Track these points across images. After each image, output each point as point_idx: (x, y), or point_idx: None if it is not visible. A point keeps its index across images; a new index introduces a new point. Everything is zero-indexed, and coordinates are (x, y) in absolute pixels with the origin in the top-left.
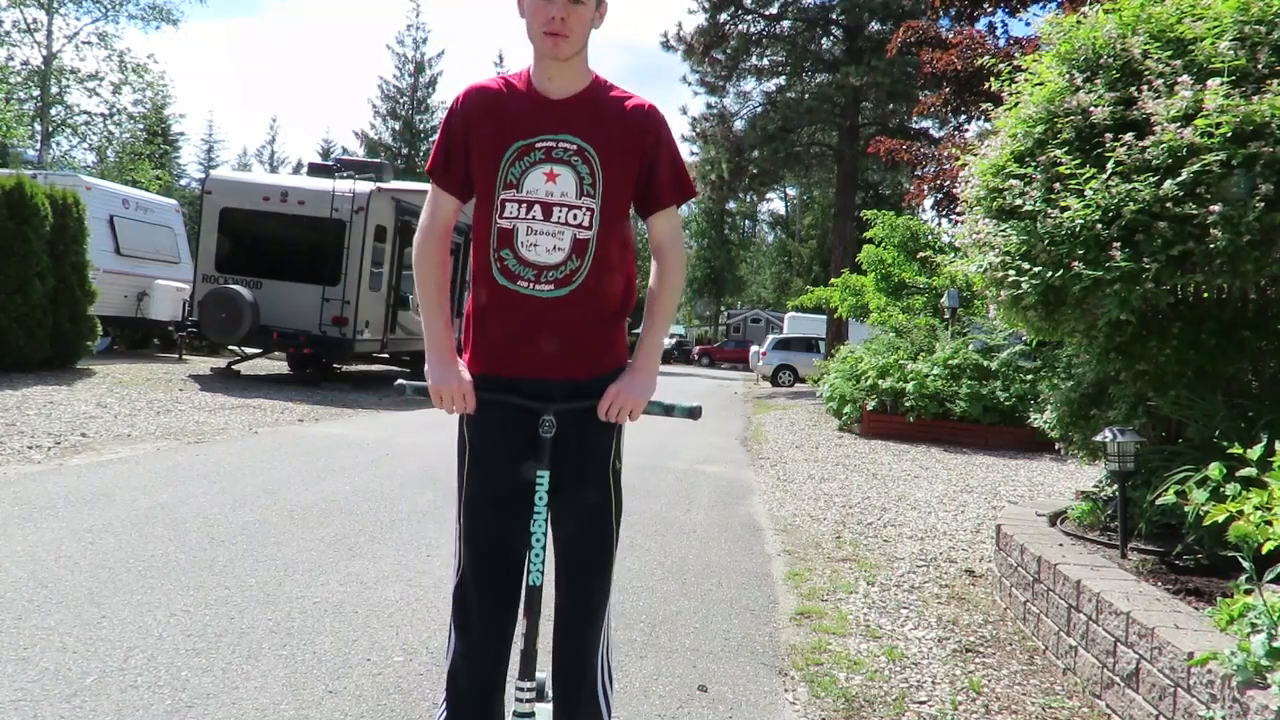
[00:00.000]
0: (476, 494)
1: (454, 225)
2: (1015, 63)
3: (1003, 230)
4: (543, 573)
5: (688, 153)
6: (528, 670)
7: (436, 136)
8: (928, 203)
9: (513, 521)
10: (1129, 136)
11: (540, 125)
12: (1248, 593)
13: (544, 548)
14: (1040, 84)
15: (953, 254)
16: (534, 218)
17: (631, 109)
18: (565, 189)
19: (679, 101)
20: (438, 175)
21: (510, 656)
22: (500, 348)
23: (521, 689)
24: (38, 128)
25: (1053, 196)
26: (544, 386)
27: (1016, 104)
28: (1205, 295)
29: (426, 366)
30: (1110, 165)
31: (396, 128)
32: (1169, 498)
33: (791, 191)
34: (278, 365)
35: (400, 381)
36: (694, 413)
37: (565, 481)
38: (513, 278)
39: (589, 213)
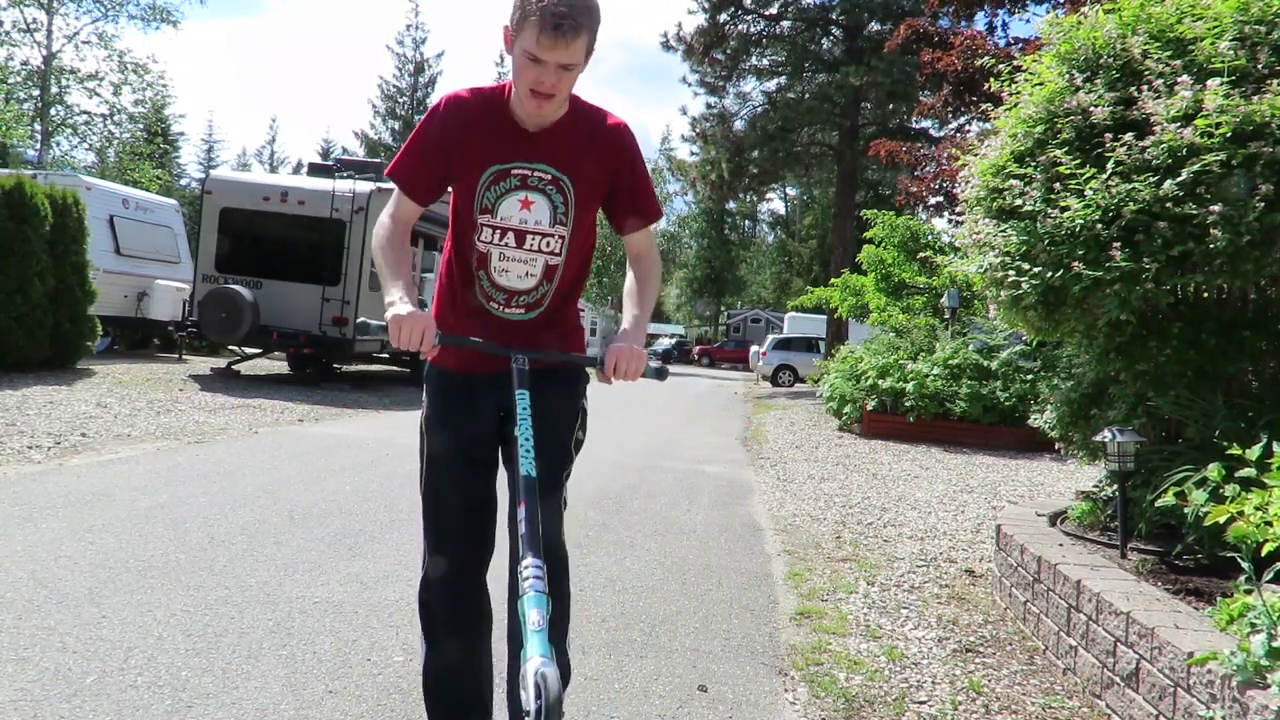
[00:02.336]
0: (437, 482)
1: (414, 224)
2: (1015, 63)
3: (1003, 230)
4: (534, 467)
5: (687, 152)
6: (534, 547)
7: (408, 140)
8: (929, 201)
9: (476, 514)
10: (1129, 136)
11: (517, 152)
12: (1247, 593)
13: (532, 447)
14: (1040, 84)
15: (953, 254)
16: (507, 244)
17: (607, 131)
18: (540, 217)
19: (679, 101)
20: (402, 180)
21: (492, 669)
22: (468, 357)
23: (527, 565)
24: (38, 128)
25: (1053, 196)
26: (503, 377)
27: (1016, 104)
28: (1205, 295)
29: (386, 306)
30: (1110, 165)
31: (396, 128)
32: (1168, 499)
33: (791, 191)
34: (278, 365)
35: (363, 319)
36: (661, 373)
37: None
38: (486, 298)
39: (560, 240)
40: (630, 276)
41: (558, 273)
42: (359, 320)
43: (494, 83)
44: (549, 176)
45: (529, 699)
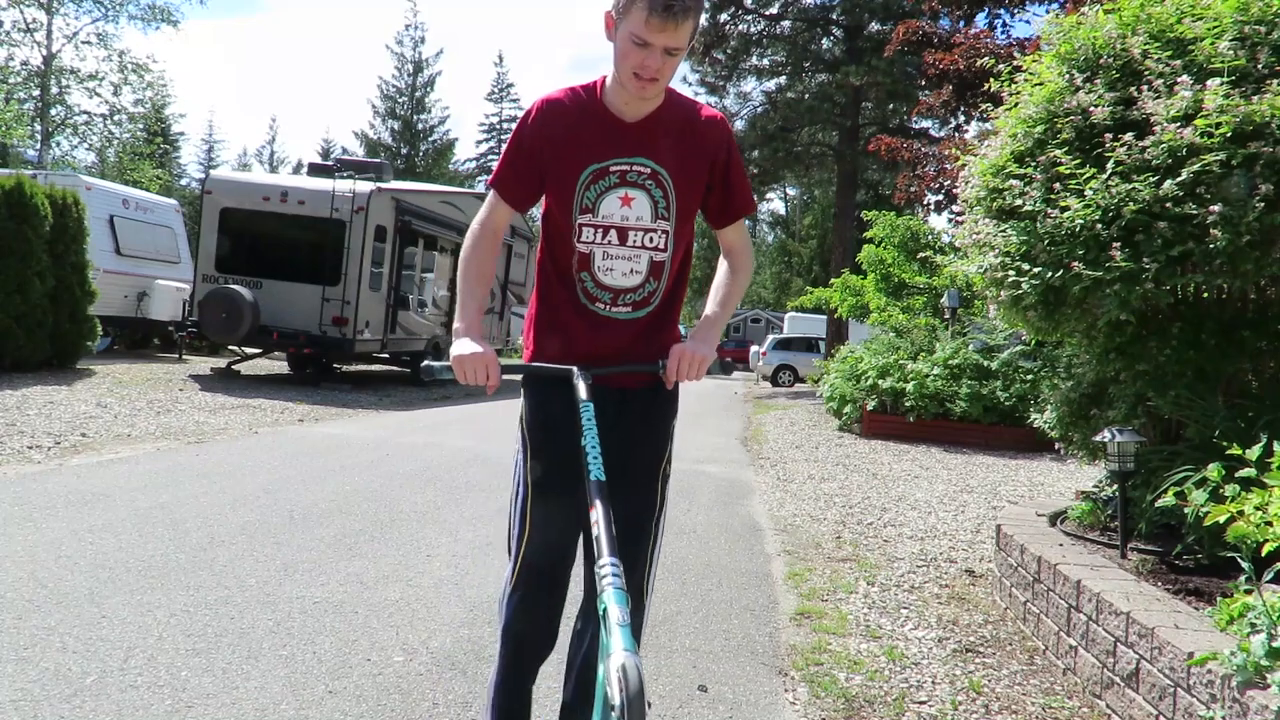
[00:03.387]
0: (537, 485)
1: (505, 229)
2: (1015, 63)
3: (1003, 230)
4: (603, 472)
5: None
6: (610, 548)
7: (505, 146)
8: (926, 199)
9: (571, 519)
10: (1129, 136)
11: (614, 149)
12: (1247, 593)
13: (599, 454)
14: (1040, 84)
15: (953, 254)
16: (610, 242)
17: (703, 123)
18: (640, 213)
19: None
20: (503, 189)
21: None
22: (573, 358)
23: (604, 564)
24: (38, 128)
25: (1053, 196)
26: (602, 390)
27: (1016, 104)
28: (1205, 295)
29: (453, 344)
30: (1110, 165)
31: (396, 128)
32: (1168, 499)
33: (791, 191)
34: (278, 365)
35: (427, 363)
36: (727, 368)
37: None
38: (591, 299)
39: (664, 235)
40: (722, 269)
41: (664, 269)
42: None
43: (588, 80)
44: (647, 170)
45: (614, 694)
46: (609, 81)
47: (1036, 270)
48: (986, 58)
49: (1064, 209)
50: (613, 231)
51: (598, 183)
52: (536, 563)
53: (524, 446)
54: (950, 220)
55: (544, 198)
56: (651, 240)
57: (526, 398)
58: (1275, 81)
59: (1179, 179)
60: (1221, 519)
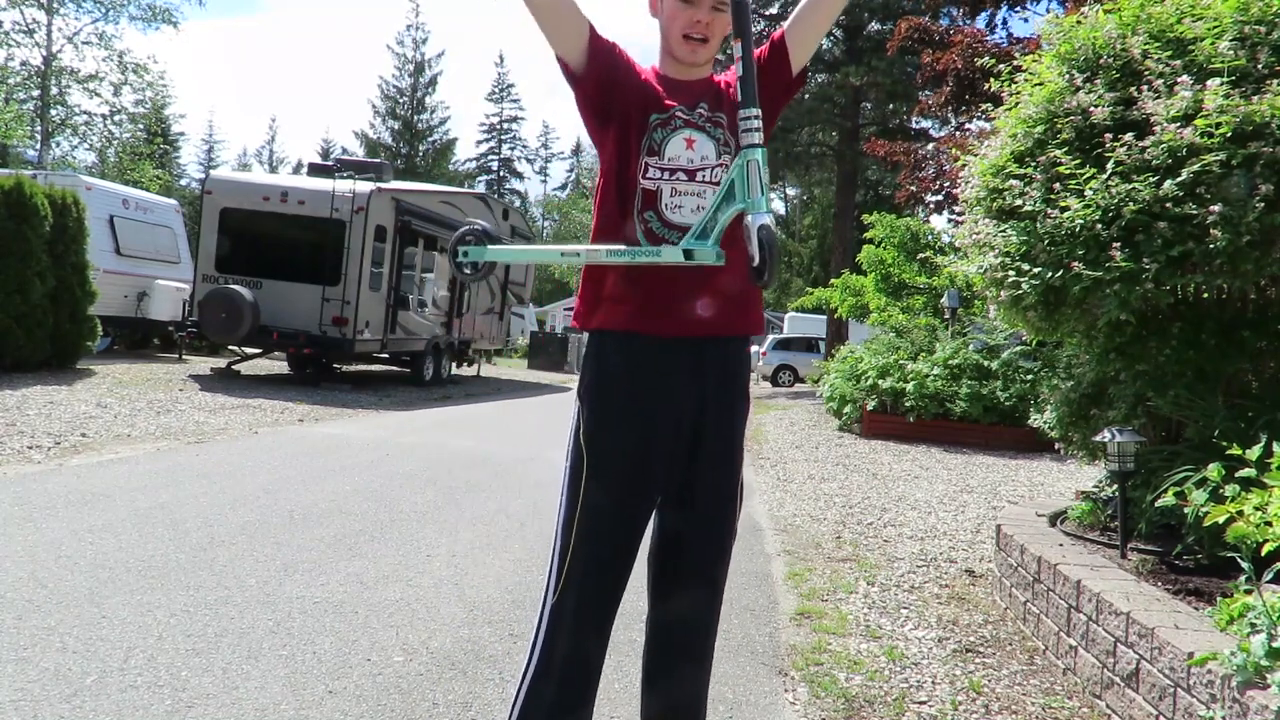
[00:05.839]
0: (592, 508)
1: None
2: (1015, 63)
3: (1003, 230)
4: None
5: None
6: (752, 98)
7: None
8: (928, 200)
9: (627, 546)
10: (1129, 136)
11: (673, 99)
12: (1247, 593)
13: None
14: (1040, 84)
15: (953, 254)
16: (678, 179)
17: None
18: (705, 153)
19: None
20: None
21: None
22: (649, 307)
23: (745, 115)
24: (38, 128)
25: (1053, 197)
26: (696, 344)
27: (1016, 104)
28: (1205, 295)
29: None
30: (1110, 165)
31: (396, 128)
32: (1168, 499)
33: (791, 191)
34: (278, 365)
35: None
36: None
37: (698, 470)
38: (656, 240)
39: (726, 170)
40: None
41: None
42: None
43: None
44: (706, 113)
45: (753, 250)
46: (660, 61)
47: (1036, 270)
48: (985, 57)
49: (1064, 209)
50: (680, 172)
51: (663, 126)
52: (582, 600)
53: (580, 464)
54: (950, 220)
55: (605, 143)
56: (717, 175)
57: (585, 407)
58: (1275, 81)
59: (1179, 179)
60: (1221, 519)
